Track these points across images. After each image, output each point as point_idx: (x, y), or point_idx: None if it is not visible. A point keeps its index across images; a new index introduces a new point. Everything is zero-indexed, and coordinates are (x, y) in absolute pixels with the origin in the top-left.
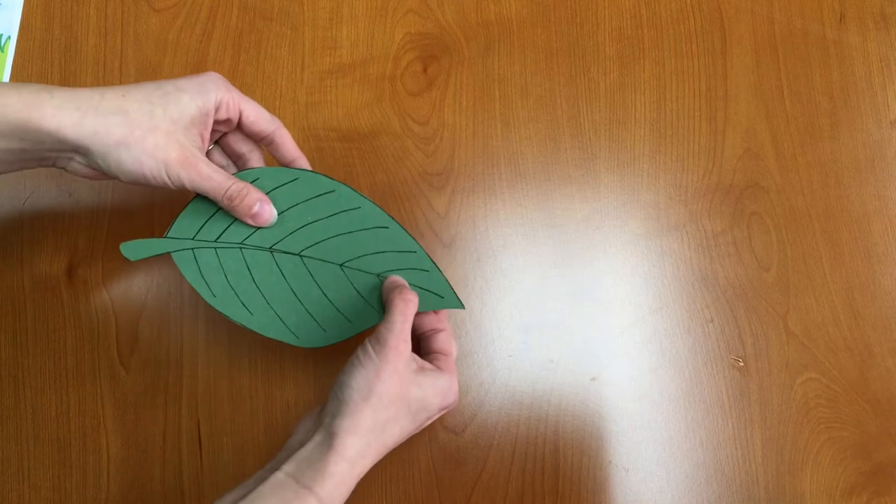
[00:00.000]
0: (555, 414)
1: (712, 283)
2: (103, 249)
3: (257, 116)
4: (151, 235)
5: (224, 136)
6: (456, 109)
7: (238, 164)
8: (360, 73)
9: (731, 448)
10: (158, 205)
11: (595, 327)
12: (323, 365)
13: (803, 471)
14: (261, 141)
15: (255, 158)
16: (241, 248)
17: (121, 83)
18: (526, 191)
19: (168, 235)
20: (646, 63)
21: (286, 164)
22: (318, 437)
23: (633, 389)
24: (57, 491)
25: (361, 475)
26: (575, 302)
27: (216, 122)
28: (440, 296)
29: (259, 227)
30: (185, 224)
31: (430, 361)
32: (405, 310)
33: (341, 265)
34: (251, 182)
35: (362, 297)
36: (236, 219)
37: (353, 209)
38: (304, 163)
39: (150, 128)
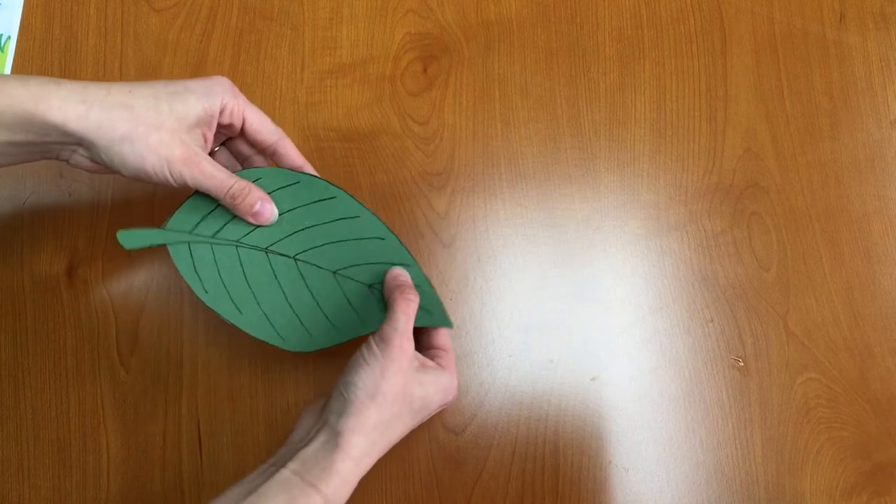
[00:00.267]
0: (555, 414)
1: (712, 283)
2: (103, 249)
3: (261, 125)
4: None
5: (229, 141)
6: (456, 109)
7: (243, 165)
8: (360, 73)
9: (730, 448)
10: (159, 205)
11: (595, 327)
12: (323, 365)
13: (803, 471)
14: (264, 151)
15: (259, 159)
16: (237, 245)
17: None
18: (526, 191)
19: (166, 227)
20: (646, 63)
21: None
22: (322, 436)
23: (633, 389)
24: (57, 491)
25: (364, 473)
26: (575, 302)
27: (219, 127)
28: (430, 312)
29: (257, 227)
30: (183, 217)
31: (431, 358)
32: (407, 309)
33: (334, 272)
34: (253, 181)
35: (351, 306)
36: (235, 216)
37: (352, 218)
38: (309, 170)
39: (154, 124)
